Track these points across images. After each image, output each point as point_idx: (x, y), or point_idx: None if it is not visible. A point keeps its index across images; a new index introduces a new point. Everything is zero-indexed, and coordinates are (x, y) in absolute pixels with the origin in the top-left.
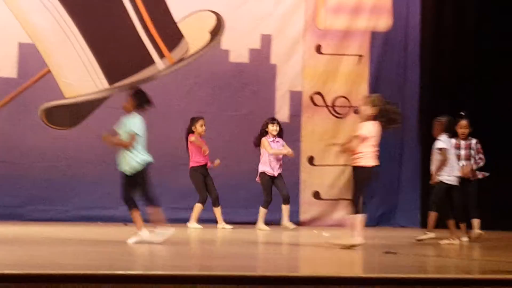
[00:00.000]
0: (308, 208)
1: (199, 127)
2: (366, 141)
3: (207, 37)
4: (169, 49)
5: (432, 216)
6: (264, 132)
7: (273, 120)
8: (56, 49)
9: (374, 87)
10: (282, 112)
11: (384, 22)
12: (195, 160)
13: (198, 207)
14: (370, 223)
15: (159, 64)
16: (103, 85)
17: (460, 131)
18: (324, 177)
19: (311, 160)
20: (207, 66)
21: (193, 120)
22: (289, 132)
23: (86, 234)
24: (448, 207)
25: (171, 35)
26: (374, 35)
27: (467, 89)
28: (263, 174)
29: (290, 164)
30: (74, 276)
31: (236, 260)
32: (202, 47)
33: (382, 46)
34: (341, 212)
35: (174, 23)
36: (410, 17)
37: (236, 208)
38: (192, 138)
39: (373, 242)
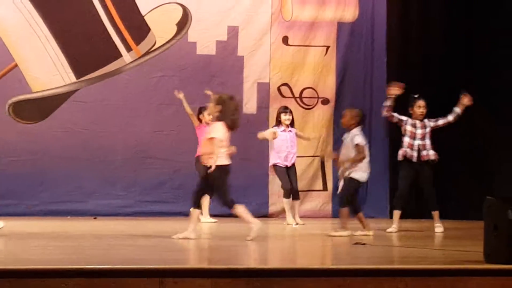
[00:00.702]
0: (277, 200)
1: (206, 116)
2: (218, 143)
3: (174, 29)
4: (136, 42)
5: (344, 212)
6: (278, 122)
7: (285, 109)
8: (23, 43)
9: (341, 77)
10: (250, 104)
11: (350, 13)
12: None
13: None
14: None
15: (126, 57)
16: (70, 79)
17: (419, 111)
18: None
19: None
20: (174, 58)
21: (201, 109)
22: (257, 124)
23: (55, 229)
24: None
25: (138, 28)
26: (340, 26)
27: (434, 78)
28: (275, 166)
29: (258, 156)
30: (42, 270)
31: (205, 253)
32: (169, 40)
33: (349, 37)
34: (310, 203)
35: (141, 16)
36: (376, 8)
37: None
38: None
39: (342, 233)
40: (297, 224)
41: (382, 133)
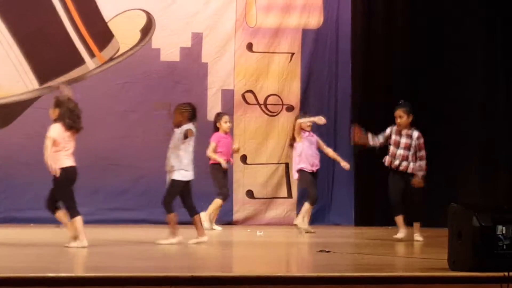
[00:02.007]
0: (242, 207)
1: (223, 124)
2: (56, 144)
3: (137, 36)
4: (99, 49)
5: (171, 218)
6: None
7: (305, 114)
8: None
9: (306, 84)
10: (214, 111)
11: (315, 20)
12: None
13: (217, 202)
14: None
15: (90, 63)
16: (33, 85)
17: (396, 120)
18: (257, 175)
19: (244, 159)
20: (138, 65)
21: (218, 116)
22: None
23: (17, 236)
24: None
25: (102, 34)
26: (305, 32)
27: (400, 84)
28: (301, 171)
29: None
30: (4, 279)
31: (171, 261)
32: (133, 46)
33: (313, 43)
34: (275, 211)
35: (104, 22)
36: (341, 15)
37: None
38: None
39: (307, 240)
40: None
41: (347, 140)
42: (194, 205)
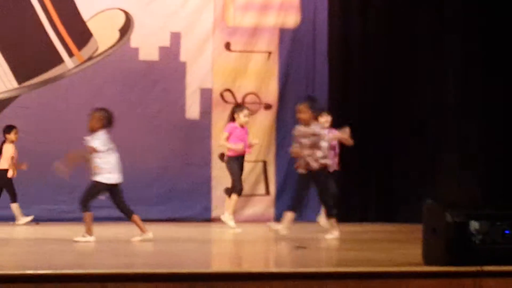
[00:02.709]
0: (220, 204)
1: (242, 117)
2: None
3: (116, 35)
4: (78, 48)
5: (87, 217)
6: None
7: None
8: None
9: (284, 83)
10: (192, 110)
11: (292, 19)
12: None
13: (233, 198)
14: (281, 218)
15: (68, 62)
16: (12, 84)
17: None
18: None
19: (222, 156)
20: (116, 64)
21: (238, 108)
22: (200, 130)
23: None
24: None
25: (80, 33)
26: (282, 31)
27: (376, 83)
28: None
29: (201, 161)
30: None
31: (150, 257)
32: (112, 46)
33: (291, 43)
34: (253, 208)
35: (83, 22)
36: (318, 14)
37: (147, 206)
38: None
39: (285, 237)
40: None
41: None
42: (128, 207)
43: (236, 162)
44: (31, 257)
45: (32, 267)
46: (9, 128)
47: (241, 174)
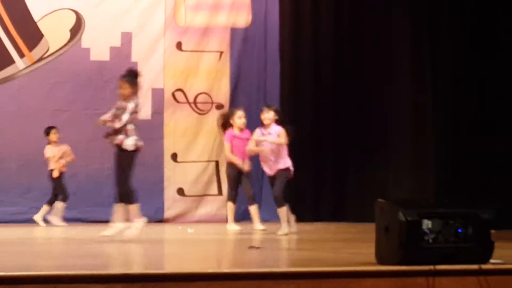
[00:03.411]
0: (173, 205)
1: (237, 120)
2: None
3: (67, 35)
4: (29, 48)
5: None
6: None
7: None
8: None
9: (235, 83)
10: (144, 110)
11: (243, 19)
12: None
13: (229, 205)
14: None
15: (19, 63)
16: None
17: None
18: (187, 173)
19: (174, 157)
20: (67, 64)
21: (231, 113)
22: (152, 130)
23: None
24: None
25: (31, 34)
26: (234, 31)
27: (327, 82)
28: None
29: (153, 161)
30: None
31: (104, 259)
32: (63, 46)
33: (242, 42)
34: (205, 208)
35: (34, 22)
36: (269, 14)
37: (98, 207)
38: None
39: (237, 237)
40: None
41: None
42: None
43: (233, 170)
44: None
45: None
46: (48, 129)
47: (237, 183)
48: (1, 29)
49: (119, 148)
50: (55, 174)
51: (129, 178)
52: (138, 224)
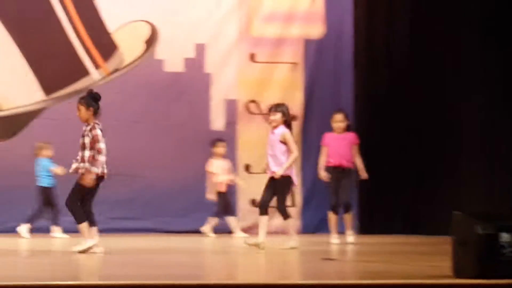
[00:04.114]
0: (247, 216)
1: (333, 124)
2: None
3: (141, 47)
4: (104, 60)
5: None
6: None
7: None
8: None
9: (309, 94)
10: (218, 121)
11: (317, 30)
12: None
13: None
14: (309, 229)
15: (95, 74)
16: (39, 96)
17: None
18: (261, 184)
19: (247, 168)
20: (142, 76)
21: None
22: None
23: (24, 246)
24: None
25: (106, 45)
26: (307, 42)
27: (401, 93)
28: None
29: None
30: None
31: (177, 269)
32: (137, 57)
33: (315, 53)
34: (279, 219)
35: (109, 34)
36: (343, 24)
37: (173, 217)
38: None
39: (312, 248)
40: None
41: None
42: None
43: (331, 174)
44: (60, 268)
45: (62, 278)
46: (215, 142)
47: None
48: (77, 40)
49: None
50: (222, 188)
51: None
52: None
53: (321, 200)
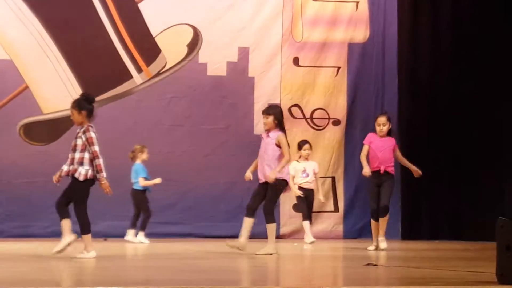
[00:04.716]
0: (288, 221)
1: (376, 127)
2: None
3: (184, 50)
4: (146, 64)
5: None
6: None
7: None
8: (34, 65)
9: (353, 98)
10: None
11: (361, 34)
12: None
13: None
14: (351, 235)
15: (137, 78)
16: None
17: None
18: None
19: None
20: (184, 79)
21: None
22: None
23: (65, 250)
24: None
25: (149, 49)
26: (351, 46)
27: (446, 97)
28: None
29: None
30: None
31: (218, 274)
32: (180, 61)
33: (359, 57)
34: (322, 225)
35: (152, 37)
36: (387, 28)
37: (215, 222)
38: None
39: (354, 254)
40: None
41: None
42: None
43: (372, 179)
44: (100, 273)
45: (102, 282)
46: (302, 143)
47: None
48: (120, 44)
49: (72, 176)
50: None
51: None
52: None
53: (363, 206)
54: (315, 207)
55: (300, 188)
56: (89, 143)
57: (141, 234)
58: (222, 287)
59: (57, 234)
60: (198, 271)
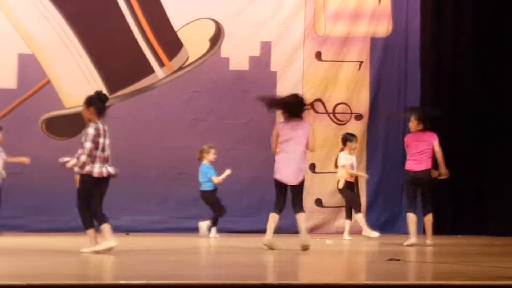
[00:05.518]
0: (311, 216)
1: (410, 123)
2: None
3: (206, 45)
4: (169, 58)
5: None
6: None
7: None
8: (56, 59)
9: (375, 93)
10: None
11: (384, 28)
12: None
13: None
14: (374, 230)
15: (159, 72)
16: None
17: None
18: (326, 184)
19: (312, 167)
20: (207, 74)
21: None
22: None
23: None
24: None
25: (171, 43)
26: (374, 40)
27: (470, 93)
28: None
29: None
30: (75, 286)
31: (239, 269)
32: (202, 55)
33: (382, 52)
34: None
35: (174, 32)
36: (410, 22)
37: (238, 216)
38: None
39: (377, 249)
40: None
41: None
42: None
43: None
44: (125, 267)
45: (126, 277)
46: (350, 136)
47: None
48: (142, 38)
49: (84, 173)
50: (341, 185)
51: (93, 204)
52: None
53: (385, 201)
54: (338, 202)
55: (348, 181)
56: (85, 137)
57: (213, 230)
58: (243, 282)
59: (78, 229)
60: (219, 266)
